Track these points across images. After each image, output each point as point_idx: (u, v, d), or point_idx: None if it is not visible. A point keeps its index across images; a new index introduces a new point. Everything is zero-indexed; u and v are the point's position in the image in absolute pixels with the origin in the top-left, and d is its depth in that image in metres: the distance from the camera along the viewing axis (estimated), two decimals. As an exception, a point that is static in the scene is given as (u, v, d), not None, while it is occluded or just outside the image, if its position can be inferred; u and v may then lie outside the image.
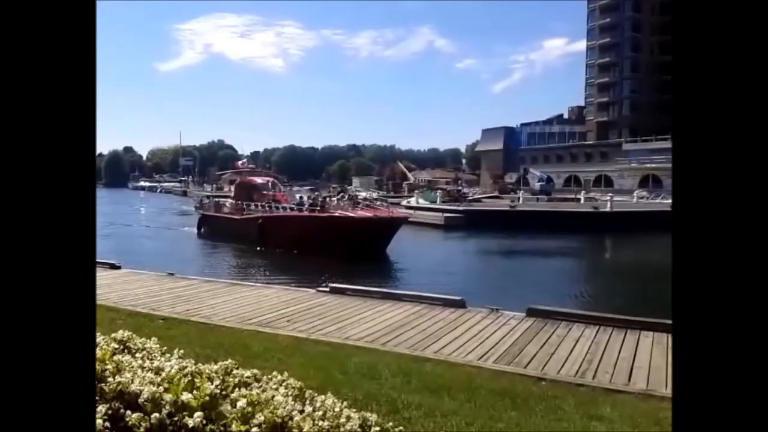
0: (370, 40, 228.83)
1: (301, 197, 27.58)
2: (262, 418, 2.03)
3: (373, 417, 2.35)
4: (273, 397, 2.23)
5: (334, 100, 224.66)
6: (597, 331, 6.89)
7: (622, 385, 5.16)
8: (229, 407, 2.10)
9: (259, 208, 25.30)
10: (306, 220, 21.75)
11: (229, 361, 2.55)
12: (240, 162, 35.94)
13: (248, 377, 2.49)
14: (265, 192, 27.21)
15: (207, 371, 2.41)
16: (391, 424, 2.39)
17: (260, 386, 2.44)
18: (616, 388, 5.04)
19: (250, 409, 2.09)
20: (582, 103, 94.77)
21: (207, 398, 2.08)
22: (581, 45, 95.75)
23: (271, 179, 30.63)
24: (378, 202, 23.53)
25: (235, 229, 25.81)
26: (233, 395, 2.21)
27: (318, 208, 22.14)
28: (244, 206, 26.55)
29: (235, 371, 2.50)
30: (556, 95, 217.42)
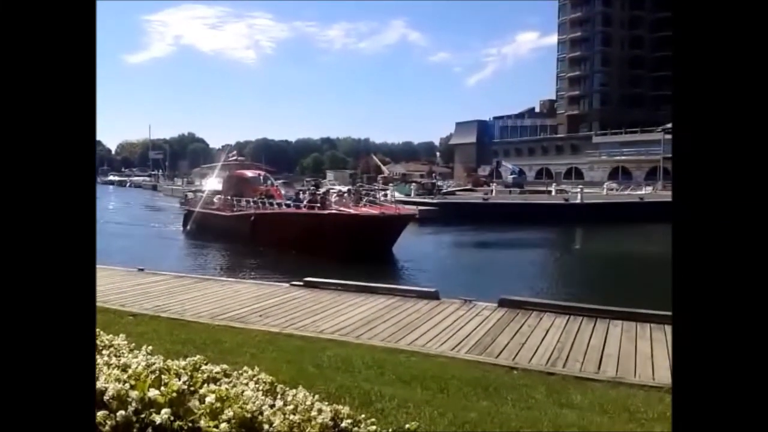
0: (343, 32, 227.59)
1: (298, 192, 25.49)
2: (231, 413, 2.01)
3: (345, 409, 2.35)
4: (243, 392, 2.21)
5: (308, 93, 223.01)
6: (567, 321, 7.00)
7: (592, 373, 5.25)
8: (197, 403, 2.07)
9: (251, 204, 23.25)
10: (305, 218, 19.72)
11: (198, 356, 2.52)
12: (229, 154, 32.14)
13: (217, 373, 2.46)
14: (257, 186, 25.06)
15: (175, 367, 2.37)
16: (363, 416, 2.39)
17: (230, 381, 2.42)
18: (586, 376, 5.13)
19: (219, 404, 2.06)
20: (553, 97, 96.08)
21: (175, 394, 2.05)
22: (553, 39, 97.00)
23: (262, 172, 28.28)
24: (382, 198, 21.33)
25: (224, 226, 24.15)
26: (202, 391, 2.17)
27: (318, 204, 20.21)
28: (234, 202, 24.57)
29: (204, 367, 2.46)
30: (528, 89, 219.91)
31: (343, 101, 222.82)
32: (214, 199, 27.71)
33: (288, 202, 22.63)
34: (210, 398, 2.07)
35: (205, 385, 2.27)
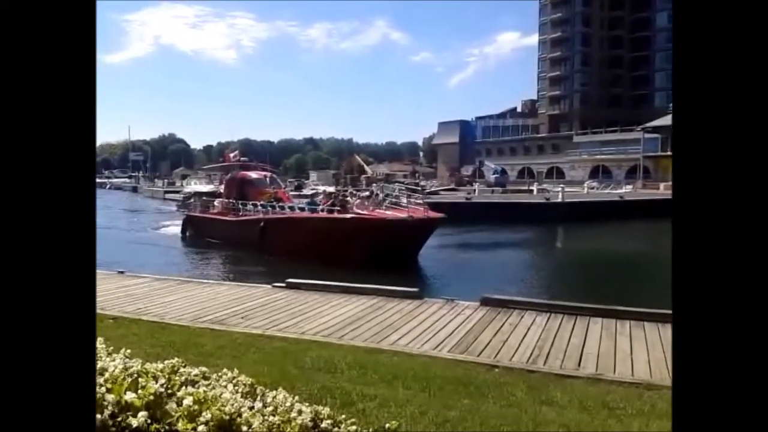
0: (325, 32, 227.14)
1: (312, 195, 23.49)
2: (209, 415, 2.00)
3: (325, 410, 2.35)
4: (221, 394, 2.20)
5: (290, 93, 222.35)
6: (548, 319, 7.08)
7: (572, 370, 5.32)
8: (174, 406, 2.05)
9: (259, 208, 21.10)
10: (324, 223, 17.64)
11: (176, 359, 2.50)
12: (231, 154, 29.18)
13: (196, 375, 2.45)
14: (263, 189, 23.01)
15: (152, 370, 2.35)
16: (344, 416, 2.40)
17: (209, 384, 2.40)
18: (566, 373, 5.19)
19: (196, 407, 2.05)
20: (534, 97, 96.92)
21: (152, 397, 2.03)
22: (533, 39, 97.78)
23: (268, 174, 26.10)
24: (406, 200, 18.39)
25: (228, 232, 22.04)
26: (180, 393, 2.16)
27: (338, 208, 18.16)
28: (240, 206, 22.33)
29: (182, 369, 2.45)
30: (510, 89, 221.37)
31: (325, 101, 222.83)
32: (215, 203, 25.75)
33: (302, 205, 21.00)
34: (188, 401, 2.05)
35: (183, 387, 2.25)
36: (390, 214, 17.52)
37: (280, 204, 21.14)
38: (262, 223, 19.72)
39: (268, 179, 24.67)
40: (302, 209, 20.20)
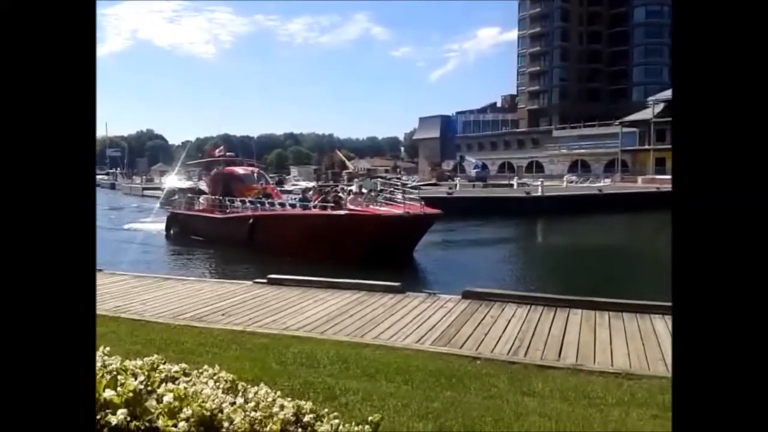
0: (304, 26, 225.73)
1: (303, 191, 22.58)
2: (190, 411, 1.98)
3: (308, 405, 2.34)
4: (202, 390, 2.18)
5: (270, 88, 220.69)
6: (529, 310, 7.15)
7: (552, 360, 5.38)
8: (154, 403, 2.03)
9: (247, 204, 20.65)
10: (319, 220, 17.17)
11: (156, 356, 2.47)
12: (216, 150, 28.17)
13: (176, 372, 2.42)
14: (250, 185, 22.53)
15: (132, 367, 2.33)
16: (326, 410, 2.39)
17: (189, 380, 2.38)
18: (547, 364, 5.25)
19: (177, 403, 2.03)
20: (514, 92, 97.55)
21: (131, 395, 2.00)
22: (513, 34, 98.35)
23: (255, 169, 25.47)
24: (400, 196, 17.94)
25: (216, 230, 21.40)
26: (160, 390, 2.13)
27: (332, 204, 17.72)
28: (227, 203, 21.83)
29: (162, 366, 2.42)
30: (490, 84, 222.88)
31: (306, 96, 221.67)
32: (200, 200, 25.03)
33: (293, 202, 20.50)
34: (168, 397, 2.03)
35: (163, 384, 2.23)
36: (385, 210, 17.21)
37: (270, 200, 20.59)
38: (251, 220, 19.26)
39: (255, 175, 24.04)
40: (293, 206, 19.73)
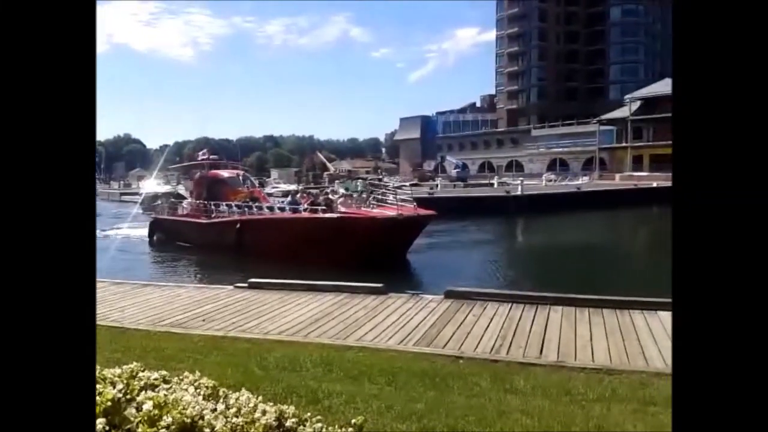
0: (283, 28, 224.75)
1: (292, 194, 21.68)
2: (170, 419, 1.96)
3: (290, 409, 2.33)
4: (182, 397, 2.16)
5: (249, 90, 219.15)
6: (510, 309, 7.20)
7: (534, 358, 5.42)
8: (134, 411, 2.00)
9: (234, 208, 20.12)
10: (311, 223, 16.77)
11: (135, 364, 2.44)
12: (199, 153, 27.57)
13: (156, 379, 2.39)
14: (236, 188, 21.96)
15: (110, 376, 2.29)
16: (309, 414, 2.38)
17: (169, 388, 2.35)
18: (528, 361, 5.29)
19: (157, 411, 2.00)
20: (493, 92, 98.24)
21: (109, 403, 1.98)
22: (491, 35, 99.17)
23: (240, 172, 24.92)
24: (392, 197, 17.55)
25: (201, 235, 20.80)
26: (139, 398, 2.11)
27: (323, 207, 17.29)
28: (212, 207, 21.26)
29: (141, 374, 2.39)
30: (470, 84, 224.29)
31: (285, 98, 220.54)
32: (184, 204, 24.56)
33: (282, 205, 19.76)
34: (147, 405, 2.01)
35: (143, 392, 2.20)
36: (378, 212, 16.84)
37: (258, 204, 20.11)
38: (238, 225, 18.81)
39: (241, 178, 23.44)
40: (282, 209, 19.21)
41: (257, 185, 25.23)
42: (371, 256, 14.43)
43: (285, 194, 23.53)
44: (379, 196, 18.02)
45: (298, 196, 21.23)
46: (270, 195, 29.50)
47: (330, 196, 18.86)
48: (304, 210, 17.74)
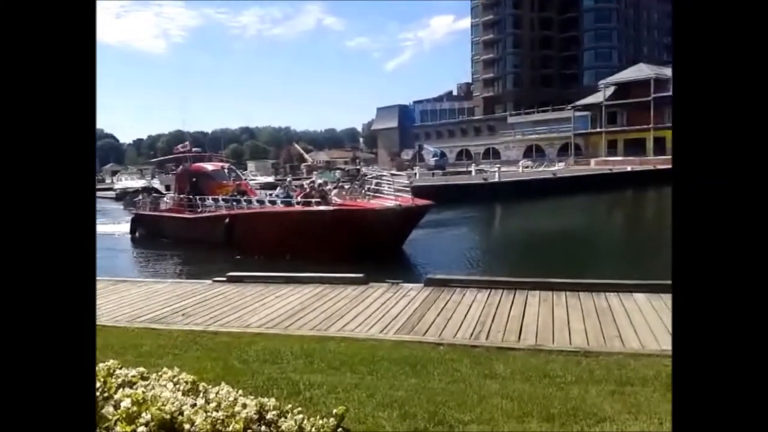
0: (256, 18, 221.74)
1: (286, 186, 20.76)
2: (149, 416, 1.95)
3: (271, 401, 2.33)
4: (161, 393, 2.14)
5: (223, 82, 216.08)
6: (489, 295, 7.28)
7: (513, 342, 5.50)
8: (111, 409, 1.99)
9: (221, 202, 19.60)
10: (307, 216, 16.30)
11: (111, 361, 2.41)
12: (180, 145, 26.53)
13: (134, 376, 2.37)
14: (222, 182, 21.29)
15: (87, 375, 2.27)
16: (290, 405, 2.39)
17: (147, 384, 2.34)
18: (508, 346, 5.36)
19: (135, 408, 1.99)
20: (469, 80, 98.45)
21: (86, 402, 1.96)
22: (467, 22, 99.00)
23: (225, 165, 24.18)
24: (387, 187, 17.05)
25: (187, 231, 20.06)
26: (117, 396, 2.09)
27: (317, 199, 16.78)
28: (197, 201, 20.53)
29: (118, 371, 2.37)
30: (446, 72, 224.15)
31: (260, 89, 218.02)
32: (166, 199, 23.84)
33: (273, 198, 19.14)
34: (125, 403, 1.99)
35: (121, 389, 2.18)
36: (376, 203, 16.32)
37: (247, 198, 19.50)
38: (227, 220, 18.19)
39: (226, 171, 22.72)
40: (273, 203, 18.64)
41: (243, 178, 24.41)
42: (369, 247, 14.06)
43: (264, 186, 23.00)
44: (375, 186, 17.35)
45: (285, 185, 20.57)
46: (272, 186, 28.73)
47: (324, 188, 18.21)
48: (297, 203, 17.27)
